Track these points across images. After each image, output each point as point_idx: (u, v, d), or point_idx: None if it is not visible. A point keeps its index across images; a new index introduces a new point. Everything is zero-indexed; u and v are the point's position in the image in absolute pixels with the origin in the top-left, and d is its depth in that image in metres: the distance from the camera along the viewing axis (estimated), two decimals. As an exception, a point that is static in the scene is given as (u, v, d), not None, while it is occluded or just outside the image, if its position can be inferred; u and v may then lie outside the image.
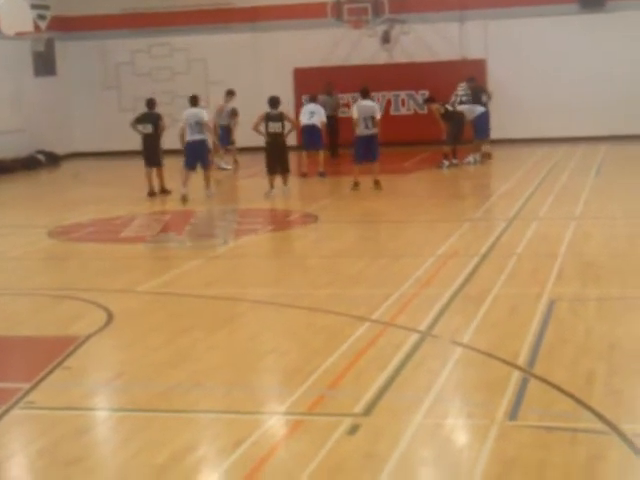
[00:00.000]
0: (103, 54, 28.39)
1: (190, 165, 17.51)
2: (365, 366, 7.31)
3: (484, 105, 22.08)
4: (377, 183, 17.67)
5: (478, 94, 22.32)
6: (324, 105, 23.78)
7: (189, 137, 17.47)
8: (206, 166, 17.74)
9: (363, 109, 17.86)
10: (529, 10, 25.85)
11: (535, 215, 14.26)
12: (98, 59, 28.44)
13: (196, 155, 17.50)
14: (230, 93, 22.53)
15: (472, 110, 21.38)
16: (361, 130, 17.73)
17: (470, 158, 21.18)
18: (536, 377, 6.86)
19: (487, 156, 21.89)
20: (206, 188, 17.76)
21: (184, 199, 16.99)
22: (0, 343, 8.64)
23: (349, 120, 25.53)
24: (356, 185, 17.74)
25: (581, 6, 25.62)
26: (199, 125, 17.49)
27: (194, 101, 17.97)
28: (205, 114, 17.76)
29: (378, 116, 17.91)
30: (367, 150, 17.70)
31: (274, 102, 17.57)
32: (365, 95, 18.32)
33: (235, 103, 23.27)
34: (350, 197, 17.51)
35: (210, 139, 18.29)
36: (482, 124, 21.37)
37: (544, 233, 12.88)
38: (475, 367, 7.32)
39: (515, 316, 8.60)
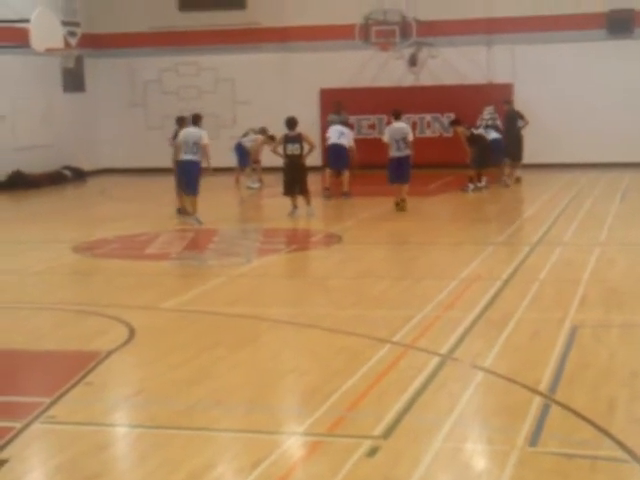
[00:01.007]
0: (131, 72, 28.61)
1: (189, 190, 16.85)
2: (385, 388, 7.29)
3: (519, 130, 22.09)
4: (403, 202, 17.77)
5: (513, 118, 22.27)
6: (331, 124, 24.01)
7: (182, 156, 16.71)
8: (192, 192, 16.87)
9: (395, 131, 18.02)
10: (557, 35, 25.84)
11: (559, 240, 14.21)
12: (126, 76, 28.66)
13: (186, 177, 16.77)
14: (271, 137, 21.96)
15: (486, 135, 21.38)
16: (393, 152, 17.88)
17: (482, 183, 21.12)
18: (557, 403, 6.82)
19: (517, 180, 21.90)
20: (192, 214, 16.90)
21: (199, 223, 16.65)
22: (22, 357, 8.69)
23: (368, 141, 25.80)
24: (398, 205, 17.86)
25: (609, 32, 25.59)
26: (196, 145, 16.61)
27: (195, 120, 17.08)
28: (205, 135, 16.74)
29: (410, 137, 18.07)
30: (399, 172, 17.81)
31: (291, 123, 17.55)
32: (397, 117, 18.46)
33: (261, 123, 23.39)
34: (374, 218, 17.51)
35: (205, 162, 16.95)
36: (495, 150, 21.21)
37: (568, 258, 12.83)
38: (496, 392, 7.29)
39: (537, 341, 8.56)
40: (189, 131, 16.89)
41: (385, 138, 18.17)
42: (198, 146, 16.66)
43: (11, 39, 23.31)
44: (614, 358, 7.99)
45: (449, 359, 8.03)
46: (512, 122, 22.15)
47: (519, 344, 8.49)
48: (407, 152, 17.89)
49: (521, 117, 22.73)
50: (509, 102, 22.73)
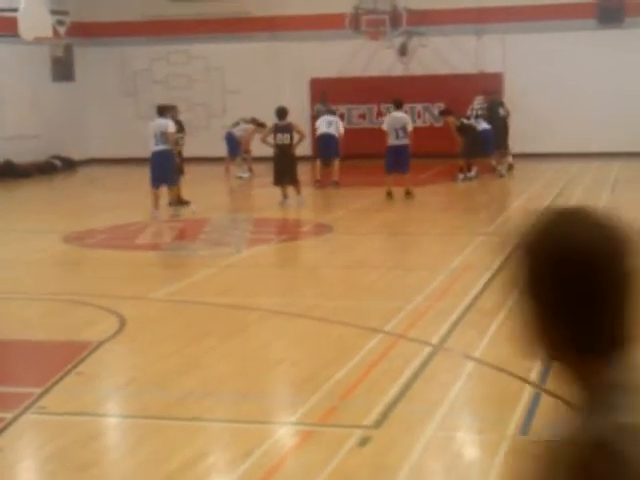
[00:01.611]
0: (121, 61, 28.52)
1: (156, 184, 16.69)
2: (377, 378, 7.30)
3: (502, 119, 22.11)
4: (408, 193, 17.92)
5: (495, 108, 22.33)
6: (318, 114, 24.09)
7: (154, 147, 16.65)
8: (170, 183, 16.90)
9: (394, 120, 18.11)
10: (547, 25, 25.86)
11: (549, 230, 14.21)
12: (116, 66, 28.57)
13: (161, 170, 16.62)
14: (261, 125, 21.98)
15: (476, 125, 21.42)
16: (392, 140, 17.97)
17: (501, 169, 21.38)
18: (548, 393, 6.83)
19: (510, 167, 21.97)
20: (168, 204, 16.94)
21: (154, 219, 16.49)
22: (13, 347, 8.68)
23: (358, 130, 25.85)
24: (389, 195, 17.88)
25: (599, 21, 25.62)
26: (164, 136, 16.57)
27: (161, 110, 17.12)
28: (172, 125, 16.76)
29: (410, 127, 18.15)
30: (398, 160, 17.84)
31: (282, 113, 17.54)
32: (398, 106, 18.55)
33: (251, 112, 23.36)
34: (365, 208, 17.51)
35: (175, 151, 17.05)
36: (484, 140, 21.23)
37: (558, 248, 12.83)
38: (487, 381, 7.31)
39: (528, 331, 8.57)
40: (156, 122, 16.87)
41: (384, 126, 18.29)
42: (166, 135, 16.65)
43: None
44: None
45: (440, 349, 8.05)
46: (494, 111, 22.16)
47: (510, 333, 8.50)
48: (405, 141, 17.98)
49: (502, 106, 22.74)
50: (491, 92, 22.72)
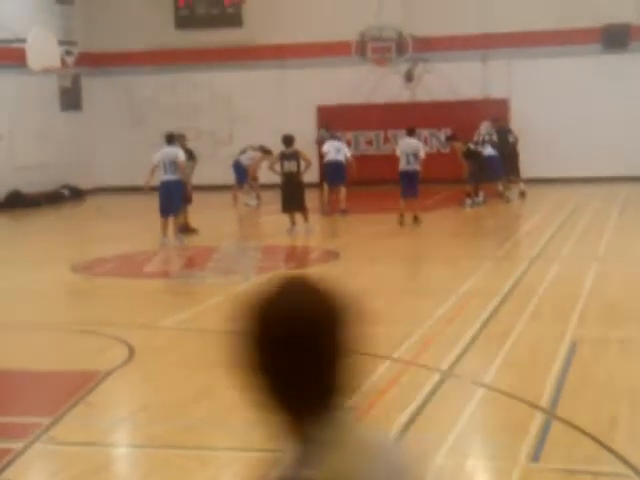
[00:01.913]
0: (128, 90, 28.68)
1: (165, 214, 16.71)
2: (386, 405, 7.28)
3: (511, 145, 22.16)
4: (416, 219, 18.04)
5: (504, 134, 22.33)
6: (322, 142, 24.24)
7: (163, 177, 16.55)
8: (176, 212, 16.81)
9: (406, 146, 18.37)
10: (552, 50, 25.94)
11: (557, 255, 14.22)
12: (123, 95, 28.73)
13: (170, 198, 16.57)
14: (267, 152, 22.10)
15: (482, 151, 21.47)
16: (402, 165, 18.11)
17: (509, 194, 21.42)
18: (559, 419, 6.81)
19: (522, 195, 21.96)
20: (174, 233, 16.81)
21: (163, 246, 16.55)
22: (22, 377, 8.68)
23: (365, 157, 25.99)
24: (402, 218, 18.05)
25: (604, 46, 25.69)
26: (174, 165, 16.53)
27: (170, 139, 17.02)
28: (181, 154, 16.71)
29: (422, 154, 18.24)
30: (409, 185, 17.96)
31: (288, 141, 17.57)
32: (410, 133, 18.76)
33: (258, 140, 23.44)
34: (372, 235, 17.53)
35: (186, 180, 17.01)
36: (491, 166, 21.26)
37: (566, 273, 12.84)
38: (497, 408, 7.29)
39: (537, 357, 8.56)
40: (165, 151, 16.80)
41: (397, 151, 18.45)
42: (176, 165, 16.61)
43: (8, 59, 23.40)
44: (614, 373, 7.98)
45: (450, 375, 8.03)
46: (504, 138, 22.17)
47: (519, 359, 8.49)
48: (416, 167, 18.11)
49: (510, 132, 22.78)
50: (497, 119, 22.76)
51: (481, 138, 22.28)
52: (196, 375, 8.32)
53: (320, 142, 25.14)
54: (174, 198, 16.68)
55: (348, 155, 20.59)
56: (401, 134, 25.65)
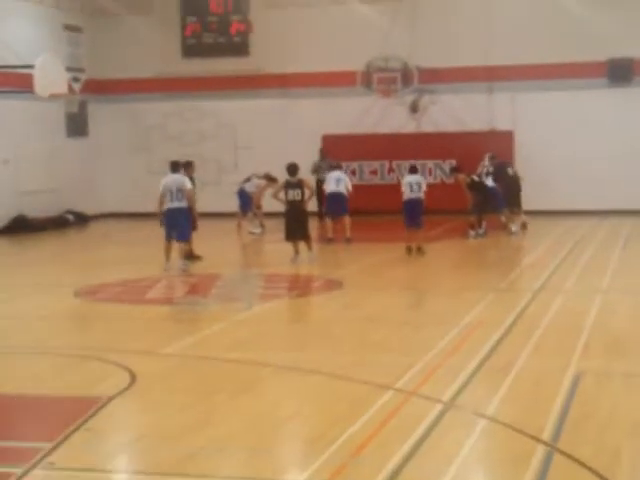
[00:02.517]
0: (134, 117, 28.82)
1: (170, 238, 16.77)
2: (388, 435, 7.25)
3: (511, 178, 22.17)
4: (420, 249, 18.12)
5: (503, 169, 22.27)
6: (318, 169, 24.35)
7: (169, 204, 16.57)
8: (183, 238, 16.85)
9: (411, 178, 18.47)
10: (557, 83, 26.05)
11: (561, 287, 14.21)
12: (129, 121, 28.86)
13: (175, 224, 16.59)
14: (272, 179, 22.21)
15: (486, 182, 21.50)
16: (407, 194, 18.14)
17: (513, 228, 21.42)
18: (561, 452, 6.78)
19: (524, 226, 21.95)
20: (179, 259, 16.79)
21: (166, 271, 16.59)
22: (23, 402, 8.65)
23: (370, 187, 26.11)
24: (409, 250, 18.10)
25: (609, 80, 25.80)
26: (180, 192, 16.58)
27: (175, 167, 17.03)
28: (187, 181, 16.76)
29: (424, 187, 18.35)
30: (413, 215, 18.03)
31: (292, 170, 17.60)
32: (413, 171, 18.94)
33: (263, 168, 23.50)
34: (376, 264, 17.53)
35: (193, 207, 17.00)
36: (494, 197, 21.30)
37: (570, 306, 12.82)
38: (499, 440, 7.25)
39: (540, 389, 8.53)
40: (171, 178, 16.81)
41: (402, 187, 18.56)
42: (182, 192, 16.64)
43: (15, 84, 23.53)
44: (617, 407, 7.95)
45: (452, 406, 8.00)
46: (503, 172, 22.09)
47: (522, 391, 8.46)
48: (419, 195, 18.17)
49: (510, 166, 22.72)
50: (494, 156, 22.78)
51: (485, 170, 22.32)
52: (198, 402, 8.30)
53: (316, 171, 25.24)
54: (180, 225, 16.69)
55: (349, 187, 20.54)
56: (405, 165, 25.79)
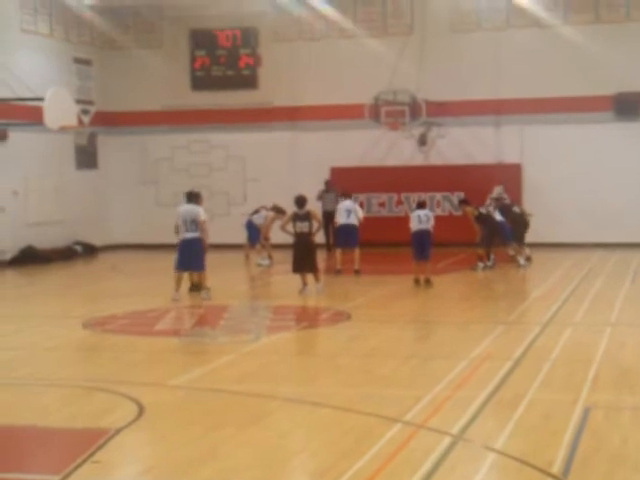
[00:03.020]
0: (143, 149, 28.97)
1: (182, 267, 16.93)
2: (396, 469, 7.21)
3: (517, 214, 22.15)
4: (428, 282, 18.18)
5: (506, 209, 22.20)
6: (322, 199, 24.48)
7: (183, 234, 16.77)
8: (199, 269, 17.06)
9: (419, 213, 18.56)
10: (564, 117, 26.13)
11: (570, 320, 14.17)
12: (138, 154, 29.01)
13: (190, 255, 16.75)
14: (280, 211, 22.29)
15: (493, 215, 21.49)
16: (416, 225, 18.17)
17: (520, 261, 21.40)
18: (570, 486, 6.73)
19: (528, 259, 21.91)
20: (200, 290, 17.11)
21: (174, 301, 16.69)
22: (30, 434, 8.64)
23: (378, 219, 26.14)
24: (417, 282, 18.19)
25: (616, 114, 25.87)
26: (194, 223, 16.70)
27: (190, 197, 17.11)
28: (202, 212, 16.85)
29: (432, 219, 18.56)
30: (421, 247, 18.05)
31: (301, 202, 17.63)
32: (421, 207, 19.00)
33: (271, 200, 23.56)
34: (384, 296, 17.52)
35: (205, 238, 16.92)
36: (503, 230, 21.30)
37: (579, 339, 12.78)
38: (508, 474, 7.20)
39: (549, 422, 8.48)
40: (185, 209, 16.95)
41: (410, 223, 18.58)
42: (196, 223, 16.75)
43: (26, 117, 23.69)
44: (627, 441, 7.90)
45: (460, 439, 7.96)
46: (506, 210, 21.99)
47: (531, 425, 8.42)
48: (428, 226, 18.24)
49: (511, 209, 22.62)
50: (499, 199, 22.83)
51: (493, 203, 22.35)
52: (206, 435, 8.28)
53: (320, 197, 25.42)
54: (193, 255, 16.81)
55: (360, 216, 20.57)
56: (414, 198, 25.86)
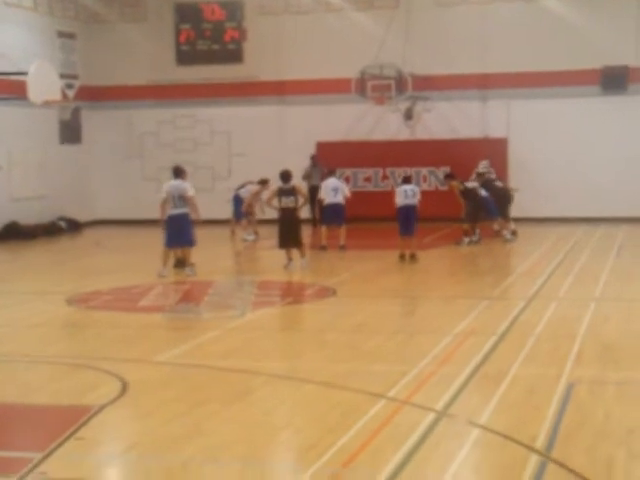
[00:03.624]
0: (128, 124, 28.79)
1: (172, 244, 16.93)
2: (381, 445, 7.22)
3: (501, 189, 22.17)
4: (413, 257, 18.18)
5: (490, 183, 22.21)
6: (309, 176, 24.37)
7: (171, 211, 16.69)
8: (188, 245, 17.02)
9: (405, 188, 18.48)
10: (551, 91, 26.09)
11: (554, 295, 14.20)
12: (123, 129, 28.83)
13: (179, 231, 16.72)
14: (264, 182, 22.23)
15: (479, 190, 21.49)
16: (402, 200, 18.14)
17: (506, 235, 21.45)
18: (554, 461, 6.75)
19: (514, 233, 21.92)
20: (184, 266, 17.08)
21: (161, 277, 16.67)
22: (14, 411, 8.61)
23: (364, 194, 26.09)
24: (402, 257, 18.14)
25: (603, 88, 25.85)
26: (182, 199, 16.66)
27: (177, 173, 16.98)
28: (189, 187, 16.79)
29: (418, 194, 18.57)
30: (406, 222, 18.05)
31: (286, 176, 17.57)
32: (407, 181, 18.98)
33: (256, 175, 23.47)
34: (369, 272, 17.52)
35: (193, 214, 16.89)
36: (488, 205, 21.31)
37: (563, 314, 12.81)
38: (492, 449, 7.22)
39: (533, 398, 8.50)
40: (173, 185, 16.86)
41: (396, 198, 18.45)
42: (184, 199, 16.72)
43: (9, 91, 23.49)
44: (611, 416, 7.93)
45: (445, 415, 7.97)
46: (489, 185, 21.98)
47: (515, 400, 8.44)
48: (414, 201, 18.21)
49: (495, 182, 22.63)
50: (481, 174, 22.81)
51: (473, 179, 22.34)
52: (190, 411, 8.26)
53: (307, 177, 25.26)
54: (185, 230, 16.79)
55: (347, 194, 20.50)
56: (400, 172, 25.82)
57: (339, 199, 20.28)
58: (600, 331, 11.56)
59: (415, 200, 18.36)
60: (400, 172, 25.92)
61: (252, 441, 7.47)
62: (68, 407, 8.56)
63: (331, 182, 20.68)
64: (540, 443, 7.14)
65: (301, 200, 17.53)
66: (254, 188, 22.66)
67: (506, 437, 7.29)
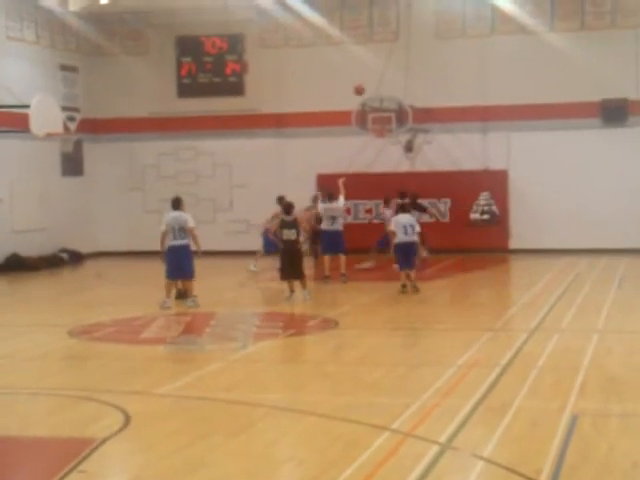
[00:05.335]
0: (130, 156, 28.89)
1: (173, 276, 16.92)
2: (384, 477, 7.18)
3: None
4: (414, 288, 18.18)
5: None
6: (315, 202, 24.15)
7: (172, 242, 16.68)
8: (188, 278, 17.00)
9: (402, 218, 18.35)
10: (551, 123, 26.19)
11: (557, 327, 14.17)
12: (125, 161, 28.92)
13: (179, 262, 16.72)
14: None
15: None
16: (400, 237, 18.07)
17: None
18: (559, 494, 6.71)
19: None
20: (186, 298, 17.03)
21: (164, 308, 16.66)
22: (15, 444, 8.57)
23: (365, 225, 26.05)
24: (404, 287, 18.15)
25: (603, 120, 25.94)
26: (183, 230, 16.68)
27: (176, 204, 17.00)
28: (190, 218, 16.82)
29: (417, 228, 18.30)
30: (405, 258, 18.02)
31: (288, 209, 17.61)
32: (404, 210, 18.82)
33: (257, 208, 23.44)
34: (371, 303, 17.49)
35: (194, 245, 16.85)
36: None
37: (566, 345, 12.78)
38: (496, 482, 7.18)
39: (537, 430, 8.47)
40: (173, 216, 16.87)
41: (391, 226, 18.41)
42: (185, 230, 16.73)
43: (11, 123, 23.60)
44: (615, 449, 7.89)
45: (448, 448, 7.93)
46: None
47: (519, 433, 8.40)
48: (414, 238, 18.16)
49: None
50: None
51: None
52: (193, 443, 8.23)
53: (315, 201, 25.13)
54: (185, 262, 16.79)
55: (342, 204, 20.36)
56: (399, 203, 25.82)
57: (337, 227, 20.22)
58: (603, 363, 11.52)
59: (414, 237, 18.23)
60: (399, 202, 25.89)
61: (254, 474, 7.43)
62: (70, 440, 8.52)
63: (330, 211, 20.45)
64: (544, 476, 7.10)
65: (302, 233, 17.59)
66: (274, 213, 22.39)
67: (510, 470, 7.26)
